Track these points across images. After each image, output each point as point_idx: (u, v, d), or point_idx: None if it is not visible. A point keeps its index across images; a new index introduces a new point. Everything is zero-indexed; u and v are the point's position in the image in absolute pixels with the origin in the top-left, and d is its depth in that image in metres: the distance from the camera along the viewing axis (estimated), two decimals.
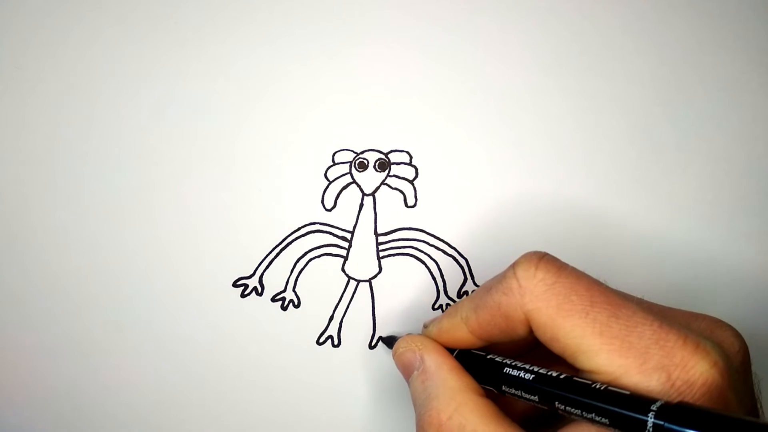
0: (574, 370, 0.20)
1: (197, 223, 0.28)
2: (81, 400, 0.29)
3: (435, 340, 0.24)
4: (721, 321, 0.21)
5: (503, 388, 0.22)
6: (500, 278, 0.22)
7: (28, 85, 0.29)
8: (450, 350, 0.24)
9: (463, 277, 0.29)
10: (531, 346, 0.24)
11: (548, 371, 0.20)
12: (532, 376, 0.21)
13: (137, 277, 0.28)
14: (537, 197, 0.29)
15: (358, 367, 0.29)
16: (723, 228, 0.30)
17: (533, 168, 0.29)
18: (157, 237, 0.28)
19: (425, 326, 0.25)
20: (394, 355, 0.25)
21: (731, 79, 0.30)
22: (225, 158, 0.29)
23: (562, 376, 0.20)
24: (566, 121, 0.29)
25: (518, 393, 0.21)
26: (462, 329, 0.23)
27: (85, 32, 0.29)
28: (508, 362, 0.22)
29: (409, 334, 0.26)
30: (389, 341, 0.28)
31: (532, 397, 0.21)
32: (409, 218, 0.29)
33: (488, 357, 0.23)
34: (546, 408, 0.20)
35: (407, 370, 0.24)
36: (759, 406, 0.21)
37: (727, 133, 0.30)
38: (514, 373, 0.21)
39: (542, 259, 0.21)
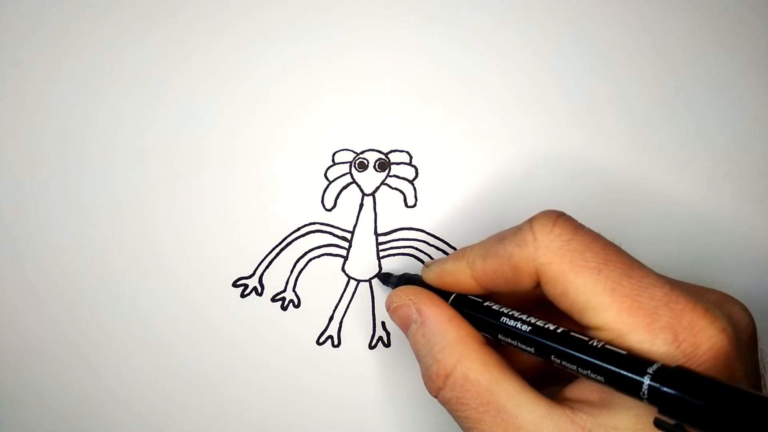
0: (578, 328, 0.20)
1: (197, 223, 0.28)
2: (81, 400, 0.29)
3: (428, 289, 0.24)
4: (730, 296, 0.21)
5: (499, 336, 0.22)
6: (515, 230, 0.21)
7: (26, 85, 0.29)
8: (445, 296, 0.24)
9: None
10: (532, 305, 0.23)
11: (545, 324, 0.20)
12: (529, 327, 0.20)
13: (137, 278, 0.28)
14: (537, 197, 0.29)
15: (358, 367, 0.29)
16: (723, 228, 0.30)
17: (533, 168, 0.29)
18: (157, 237, 0.28)
19: (426, 266, 0.25)
20: (388, 310, 0.25)
21: (731, 79, 0.30)
22: (225, 158, 0.29)
23: (559, 330, 0.20)
24: (566, 121, 0.29)
25: (514, 343, 0.21)
26: (465, 273, 0.23)
27: (83, 32, 0.29)
28: (506, 311, 0.22)
29: (403, 274, 0.26)
30: (385, 277, 0.28)
31: (528, 349, 0.20)
32: (409, 218, 0.29)
33: (485, 304, 0.23)
34: (542, 361, 0.20)
35: (405, 324, 0.24)
36: (763, 383, 0.21)
37: (727, 133, 0.30)
38: (511, 323, 0.21)
39: (560, 216, 0.21)
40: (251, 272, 0.29)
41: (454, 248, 0.29)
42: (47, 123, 0.28)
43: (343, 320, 0.29)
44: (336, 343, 0.29)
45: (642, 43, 0.30)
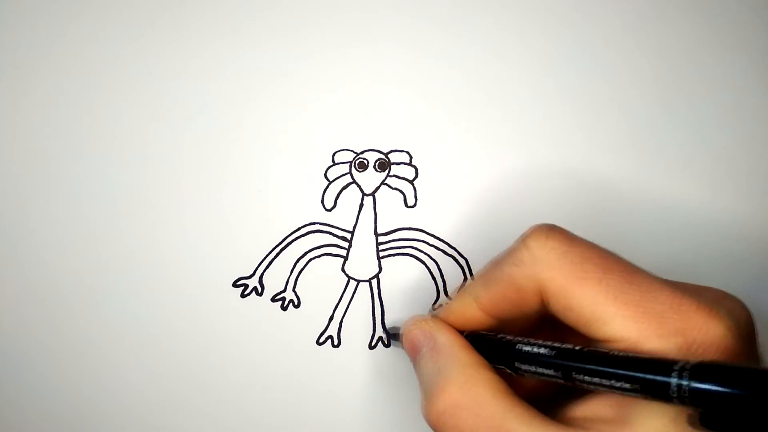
0: (586, 342, 0.20)
1: (197, 223, 0.28)
2: (80, 400, 0.29)
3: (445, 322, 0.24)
4: (727, 293, 0.21)
5: (516, 365, 0.21)
6: (510, 251, 0.21)
7: (25, 85, 0.29)
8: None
9: (463, 277, 0.29)
10: (538, 325, 0.23)
11: (563, 344, 0.20)
12: (551, 351, 0.20)
13: (136, 278, 0.28)
14: (537, 197, 0.29)
15: (358, 368, 0.29)
16: (723, 228, 0.30)
17: (533, 168, 0.29)
18: (157, 237, 0.28)
19: (433, 309, 0.25)
20: (403, 332, 0.25)
21: (731, 79, 0.30)
22: (224, 158, 0.29)
23: (579, 348, 0.19)
24: (567, 121, 0.29)
25: (532, 369, 0.21)
26: (472, 308, 0.23)
27: (82, 32, 0.29)
28: (521, 339, 0.21)
29: (417, 315, 0.26)
30: (393, 332, 0.28)
31: (548, 371, 0.20)
32: (409, 218, 0.29)
33: (499, 336, 0.22)
34: (562, 382, 0.20)
35: (415, 350, 0.24)
36: None
37: (727, 133, 0.30)
38: (529, 348, 0.21)
39: (552, 229, 0.21)
40: (251, 272, 0.29)
41: (455, 248, 0.29)
42: (47, 123, 0.28)
43: (343, 320, 0.29)
44: (336, 343, 0.29)
45: (642, 43, 0.30)
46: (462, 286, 0.25)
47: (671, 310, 0.18)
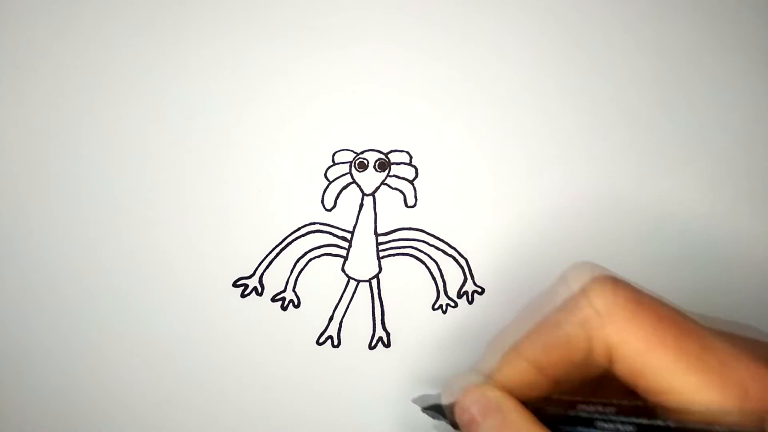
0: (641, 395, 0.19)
1: (197, 223, 0.28)
2: (80, 400, 0.29)
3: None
4: None
5: None
6: (570, 308, 0.19)
7: (25, 85, 0.29)
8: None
9: (463, 277, 0.29)
10: (596, 383, 0.21)
11: (651, 421, 0.18)
12: (635, 428, 0.18)
13: (137, 278, 0.28)
14: (537, 197, 0.29)
15: (357, 368, 0.29)
16: (723, 228, 0.30)
17: (533, 168, 0.29)
18: (157, 237, 0.28)
19: (475, 378, 0.21)
20: (459, 403, 0.21)
21: (731, 79, 0.30)
22: (224, 158, 0.29)
23: (672, 425, 0.18)
24: (566, 121, 0.29)
25: None
26: (531, 374, 0.20)
27: (82, 32, 0.29)
28: (598, 414, 0.19)
29: (463, 375, 0.22)
30: (431, 407, 0.23)
31: None
32: (409, 218, 0.29)
33: (571, 414, 0.20)
34: None
35: (474, 422, 0.20)
36: None
37: (727, 133, 0.30)
38: (609, 426, 0.19)
39: (617, 284, 0.19)
40: (251, 272, 0.29)
41: (455, 248, 0.29)
42: (46, 123, 0.28)
43: (343, 320, 0.29)
44: (336, 343, 0.29)
45: (642, 43, 0.30)
46: (499, 338, 0.22)
47: (752, 379, 0.17)
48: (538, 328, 0.20)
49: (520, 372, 0.20)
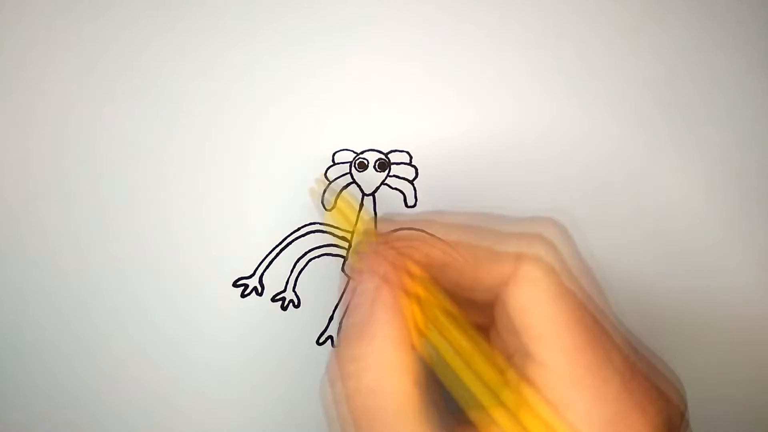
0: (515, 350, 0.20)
1: (197, 223, 0.28)
2: (81, 399, 0.29)
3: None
4: (676, 380, 0.21)
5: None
6: (510, 239, 0.20)
7: (29, 85, 0.29)
8: None
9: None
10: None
11: None
12: None
13: (137, 278, 0.28)
14: (537, 198, 0.29)
15: None
16: (722, 228, 0.30)
17: (533, 168, 0.29)
18: (157, 237, 0.28)
19: (380, 221, 0.23)
20: (361, 256, 0.23)
21: (731, 79, 0.30)
22: (225, 158, 0.29)
23: None
24: (566, 121, 0.29)
25: None
26: (441, 260, 0.21)
27: (86, 33, 0.29)
28: None
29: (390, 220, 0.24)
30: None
31: None
32: None
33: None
34: None
35: (362, 277, 0.22)
36: None
37: (726, 133, 0.30)
38: None
39: (552, 270, 0.20)
40: (251, 272, 0.29)
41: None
42: (47, 123, 0.28)
43: (344, 320, 0.29)
44: (336, 343, 0.29)
45: (641, 43, 0.30)
46: (447, 218, 0.23)
47: (615, 401, 0.18)
48: (475, 234, 0.21)
49: (438, 257, 0.22)
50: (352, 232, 0.29)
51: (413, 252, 0.22)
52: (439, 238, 0.22)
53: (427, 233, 0.27)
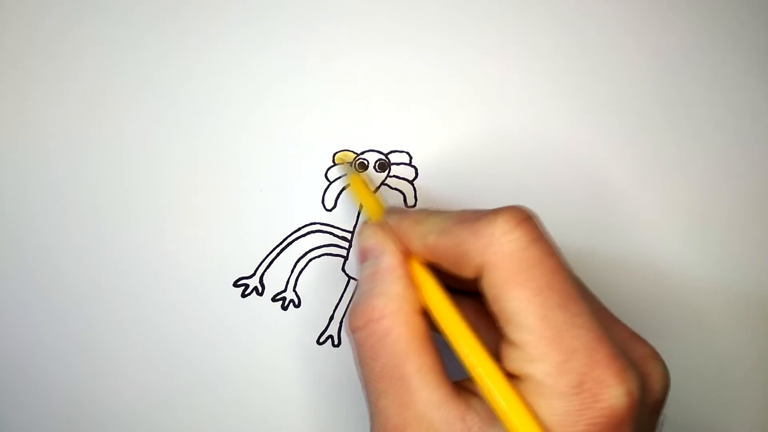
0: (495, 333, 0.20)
1: (197, 223, 0.29)
2: (82, 399, 0.29)
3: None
4: (656, 354, 0.21)
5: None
6: (478, 216, 0.20)
7: (26, 85, 0.29)
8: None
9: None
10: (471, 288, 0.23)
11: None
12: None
13: (137, 277, 0.28)
14: (537, 197, 0.29)
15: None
16: (722, 228, 0.30)
17: (533, 168, 0.29)
18: (157, 237, 0.28)
19: (388, 212, 0.24)
20: (357, 235, 0.24)
21: (731, 79, 0.30)
22: (225, 158, 0.29)
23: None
24: (566, 121, 0.29)
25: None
26: (417, 241, 0.22)
27: (84, 32, 0.29)
28: None
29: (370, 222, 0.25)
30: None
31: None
32: None
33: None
34: None
35: (363, 256, 0.23)
36: None
37: (726, 133, 0.30)
38: None
39: (526, 220, 0.20)
40: (252, 272, 0.29)
41: None
42: (47, 124, 0.29)
43: (344, 320, 0.29)
44: (336, 343, 0.29)
45: (642, 43, 0.30)
46: (423, 211, 0.24)
47: (585, 351, 0.18)
48: (451, 215, 0.22)
49: (411, 233, 0.22)
50: (353, 232, 0.29)
51: (413, 232, 0.23)
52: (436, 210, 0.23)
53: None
